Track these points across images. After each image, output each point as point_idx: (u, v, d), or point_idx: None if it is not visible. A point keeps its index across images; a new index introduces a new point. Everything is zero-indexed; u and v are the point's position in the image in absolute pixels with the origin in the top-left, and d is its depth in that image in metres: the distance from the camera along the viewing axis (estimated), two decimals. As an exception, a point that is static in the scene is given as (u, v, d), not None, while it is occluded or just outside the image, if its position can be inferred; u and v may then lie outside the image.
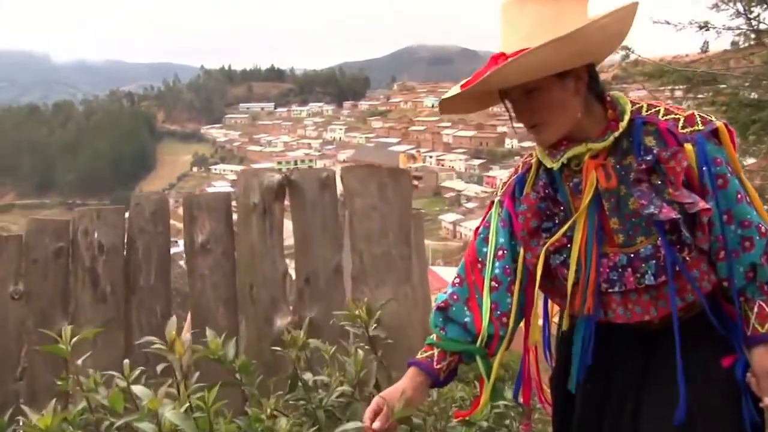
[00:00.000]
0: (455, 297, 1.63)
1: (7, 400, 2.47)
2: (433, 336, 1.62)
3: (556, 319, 1.93)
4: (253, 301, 2.78)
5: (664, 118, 1.51)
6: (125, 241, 2.69)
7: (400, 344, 2.42)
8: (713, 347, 1.55)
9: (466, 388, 2.13)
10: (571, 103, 1.48)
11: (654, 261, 1.48)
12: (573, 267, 1.53)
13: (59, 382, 1.86)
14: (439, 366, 1.59)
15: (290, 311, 2.82)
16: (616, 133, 1.50)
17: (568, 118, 1.49)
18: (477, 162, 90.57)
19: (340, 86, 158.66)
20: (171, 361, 1.76)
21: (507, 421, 2.00)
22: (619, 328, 1.60)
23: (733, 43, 6.69)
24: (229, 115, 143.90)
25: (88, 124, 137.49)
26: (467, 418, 1.63)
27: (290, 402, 1.82)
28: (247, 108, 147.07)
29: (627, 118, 1.51)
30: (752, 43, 6.20)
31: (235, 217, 2.93)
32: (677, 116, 1.51)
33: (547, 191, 1.58)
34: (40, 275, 2.61)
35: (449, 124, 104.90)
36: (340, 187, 3.02)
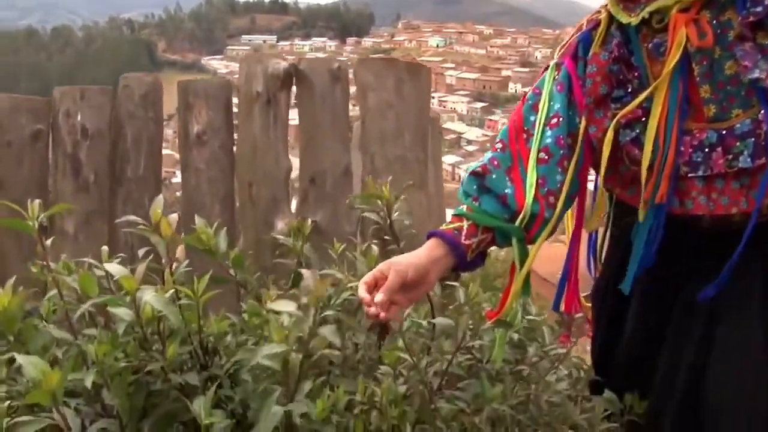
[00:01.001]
0: (495, 163, 1.35)
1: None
2: (463, 207, 1.34)
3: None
4: (253, 201, 2.51)
5: None
6: (112, 126, 2.40)
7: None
8: None
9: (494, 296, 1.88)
10: None
11: (752, 139, 1.21)
12: (649, 145, 1.26)
13: (33, 269, 1.61)
14: (467, 242, 1.30)
15: (292, 214, 2.56)
16: None
17: None
18: (479, 105, 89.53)
19: (344, 22, 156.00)
20: (155, 244, 1.50)
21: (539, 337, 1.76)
22: (691, 231, 1.34)
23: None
24: (230, 47, 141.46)
25: (87, 51, 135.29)
26: (501, 318, 1.37)
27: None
28: (249, 40, 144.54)
29: None
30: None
31: (236, 110, 2.65)
32: None
33: (621, 51, 1.29)
34: (14, 161, 2.33)
35: (453, 65, 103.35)
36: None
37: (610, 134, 1.30)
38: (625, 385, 1.48)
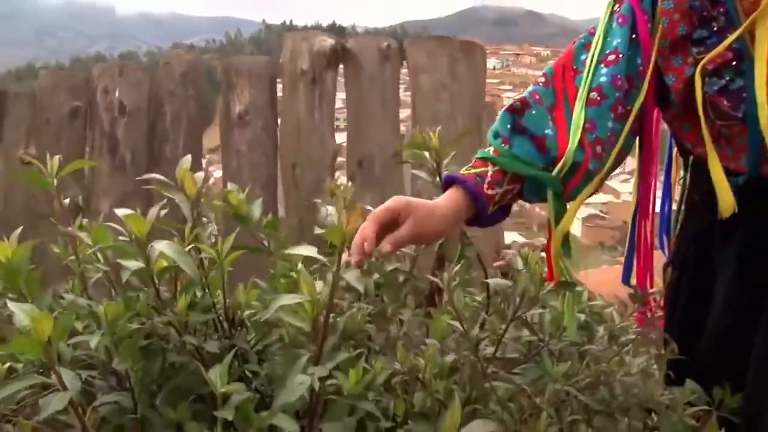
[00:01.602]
0: (537, 97, 1.14)
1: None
2: (490, 149, 1.12)
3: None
4: (296, 184, 2.37)
5: None
6: (151, 104, 2.30)
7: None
8: None
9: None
10: None
11: None
12: (763, 93, 1.04)
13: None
14: (491, 192, 1.08)
15: (338, 198, 2.40)
16: None
17: None
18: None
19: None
20: (180, 203, 1.37)
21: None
22: None
23: None
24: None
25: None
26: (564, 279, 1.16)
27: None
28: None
29: None
30: None
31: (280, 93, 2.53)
32: None
33: None
34: (52, 138, 2.25)
35: (510, 87, 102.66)
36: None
37: (698, 82, 1.10)
38: (711, 376, 1.26)
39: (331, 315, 1.01)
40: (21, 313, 0.94)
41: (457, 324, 1.10)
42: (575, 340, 1.34)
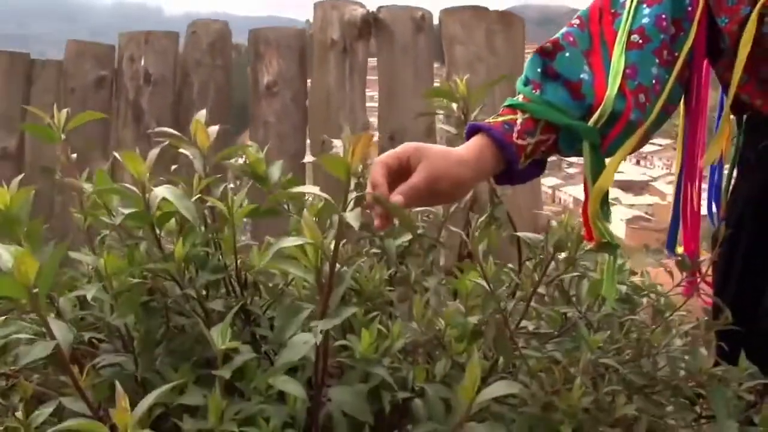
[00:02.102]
0: (571, 39, 1.00)
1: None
2: (519, 96, 0.98)
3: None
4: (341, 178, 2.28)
5: None
6: (177, 74, 2.24)
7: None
8: None
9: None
10: None
11: None
12: None
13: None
14: (521, 142, 0.94)
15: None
16: None
17: None
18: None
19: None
20: (192, 156, 1.29)
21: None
22: None
23: None
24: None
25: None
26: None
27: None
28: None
29: None
30: None
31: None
32: None
33: None
34: (77, 108, 2.19)
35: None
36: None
37: (751, 26, 0.97)
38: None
39: (340, 266, 0.92)
40: (6, 253, 0.87)
41: (484, 284, 1.00)
42: (616, 312, 1.22)
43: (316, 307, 0.94)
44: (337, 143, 0.90)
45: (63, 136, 1.42)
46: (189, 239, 0.99)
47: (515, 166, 0.96)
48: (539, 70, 0.99)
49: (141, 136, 2.18)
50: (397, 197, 0.88)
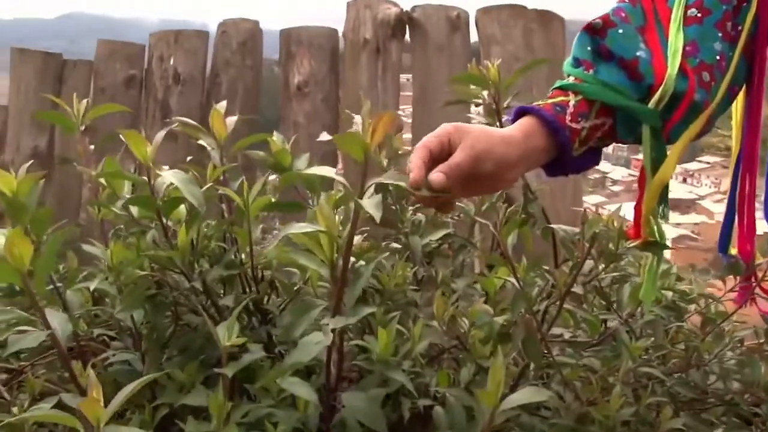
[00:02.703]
0: (623, 14, 0.90)
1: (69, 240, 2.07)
2: (569, 78, 0.88)
3: None
4: (357, 160, 2.21)
5: None
6: (207, 73, 2.20)
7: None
8: None
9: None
10: None
11: None
12: None
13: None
14: (575, 125, 0.85)
15: (401, 177, 2.24)
16: None
17: None
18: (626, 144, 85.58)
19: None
20: (208, 146, 1.24)
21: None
22: None
23: None
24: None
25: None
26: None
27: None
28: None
29: None
30: None
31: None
32: None
33: None
34: (107, 107, 2.18)
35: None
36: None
37: None
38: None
39: (355, 259, 0.84)
40: (1, 237, 0.82)
41: (514, 282, 0.91)
42: (661, 318, 1.12)
43: (330, 305, 0.86)
44: (358, 118, 0.83)
45: (82, 128, 1.39)
46: (193, 226, 0.92)
47: (568, 153, 0.86)
48: (589, 48, 0.89)
49: (168, 136, 2.13)
50: (438, 175, 0.79)
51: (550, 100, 0.87)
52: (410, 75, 2.32)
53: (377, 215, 0.72)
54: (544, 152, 0.86)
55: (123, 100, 2.19)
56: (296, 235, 0.85)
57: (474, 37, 2.37)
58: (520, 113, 0.87)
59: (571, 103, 0.86)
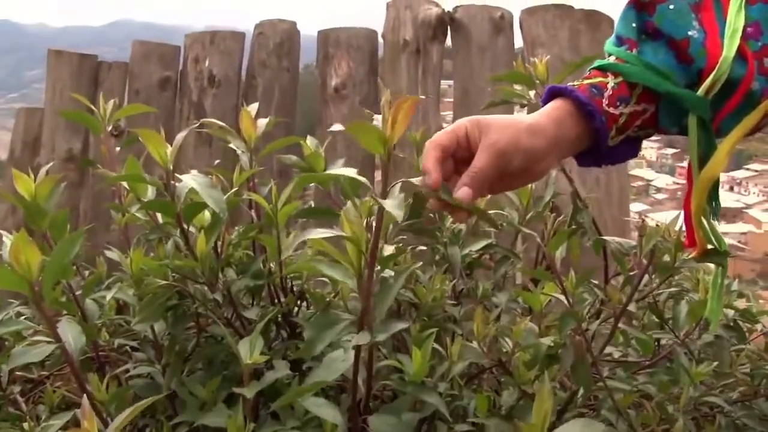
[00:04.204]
0: None
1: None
2: (610, 58, 0.78)
3: None
4: (396, 164, 2.14)
5: None
6: (242, 75, 2.16)
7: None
8: None
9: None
10: None
11: None
12: None
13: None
14: (613, 110, 0.75)
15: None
16: None
17: None
18: (670, 151, 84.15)
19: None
20: (237, 148, 1.18)
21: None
22: None
23: None
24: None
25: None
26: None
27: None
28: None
29: None
30: None
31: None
32: None
33: None
34: (142, 108, 2.15)
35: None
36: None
37: None
38: None
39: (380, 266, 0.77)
40: (8, 242, 0.77)
41: (562, 299, 0.83)
42: (721, 339, 1.02)
43: (358, 319, 0.79)
44: (378, 117, 0.75)
45: (109, 128, 1.35)
46: (214, 233, 0.86)
47: (603, 141, 0.77)
48: (634, 25, 0.78)
49: (203, 140, 2.10)
50: (463, 190, 0.71)
51: (587, 81, 0.77)
52: (451, 81, 2.24)
53: (399, 216, 0.65)
54: (577, 140, 0.77)
55: (157, 102, 2.16)
56: (318, 242, 0.78)
57: (518, 38, 2.29)
58: (552, 94, 0.78)
59: (610, 85, 0.76)
